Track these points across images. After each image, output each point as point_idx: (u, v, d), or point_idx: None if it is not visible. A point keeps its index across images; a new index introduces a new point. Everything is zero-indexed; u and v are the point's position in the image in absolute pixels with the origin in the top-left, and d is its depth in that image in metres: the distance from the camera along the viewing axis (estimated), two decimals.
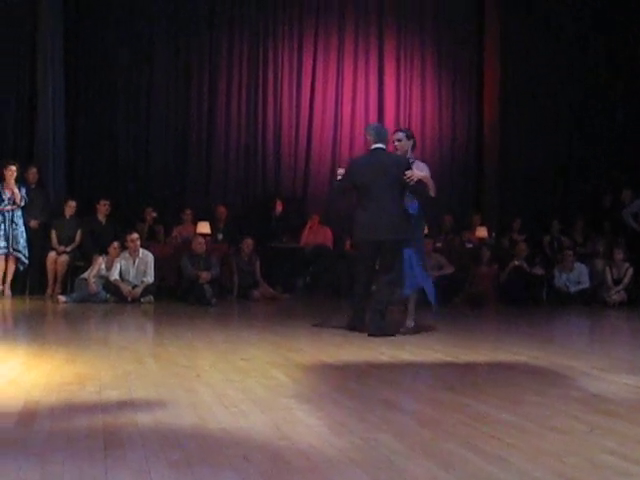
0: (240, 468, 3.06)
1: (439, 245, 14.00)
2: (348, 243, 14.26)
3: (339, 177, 8.30)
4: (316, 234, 14.56)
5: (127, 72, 14.81)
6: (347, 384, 5.23)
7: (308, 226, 14.64)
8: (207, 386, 4.82)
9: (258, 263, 13.25)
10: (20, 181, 12.40)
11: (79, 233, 12.91)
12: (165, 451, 3.29)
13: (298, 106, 15.76)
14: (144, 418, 3.90)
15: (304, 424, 3.82)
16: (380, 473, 3.03)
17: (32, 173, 12.86)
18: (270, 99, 15.64)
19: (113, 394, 4.53)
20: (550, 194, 16.23)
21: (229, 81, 15.45)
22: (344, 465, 3.14)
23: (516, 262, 13.72)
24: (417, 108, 16.38)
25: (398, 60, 16.33)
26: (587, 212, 15.73)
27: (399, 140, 8.30)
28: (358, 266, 8.41)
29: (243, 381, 5.02)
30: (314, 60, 15.86)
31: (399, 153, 8.24)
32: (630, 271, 13.53)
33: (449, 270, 13.12)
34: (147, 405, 4.26)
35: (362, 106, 16.06)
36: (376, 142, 8.15)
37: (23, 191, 12.35)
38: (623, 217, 14.92)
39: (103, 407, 4.18)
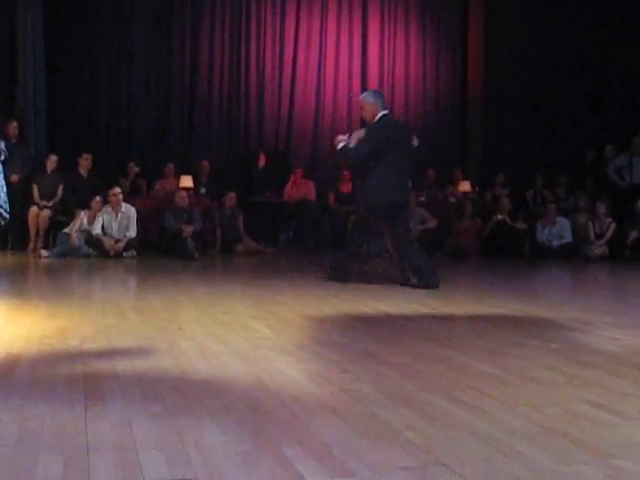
0: (220, 419, 3.07)
1: (422, 199, 14.02)
2: (331, 197, 14.27)
3: (343, 143, 8.13)
4: (299, 188, 14.53)
5: (108, 25, 14.71)
6: (329, 336, 5.25)
7: (291, 180, 14.61)
8: (189, 339, 4.81)
9: (241, 217, 13.24)
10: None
11: (61, 188, 12.85)
12: (146, 403, 3.29)
13: (281, 60, 15.68)
14: (125, 370, 3.90)
15: (285, 375, 3.83)
16: (360, 423, 3.04)
17: (12, 127, 12.76)
18: (253, 52, 15.54)
19: (94, 347, 4.53)
20: (534, 149, 16.22)
21: (211, 35, 15.34)
22: (324, 415, 3.15)
23: (499, 216, 13.77)
24: (401, 64, 16.34)
25: (382, 15, 16.26)
26: (570, 167, 15.74)
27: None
28: (361, 227, 8.43)
29: (225, 334, 5.02)
30: (297, 12, 15.76)
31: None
32: (612, 226, 13.59)
33: (432, 224, 13.17)
34: (128, 358, 4.26)
35: (345, 60, 15.99)
36: (382, 108, 8.18)
37: (2, 145, 12.14)
38: (606, 173, 14.95)
39: (84, 360, 4.18)
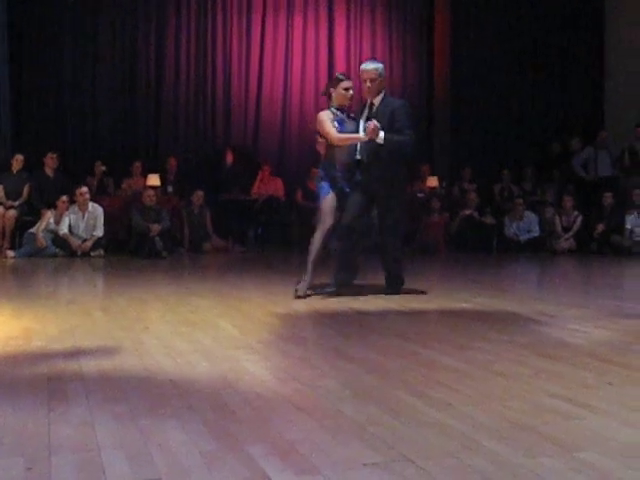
0: (185, 418, 3.05)
1: None
2: (299, 194, 14.25)
3: (382, 133, 6.78)
4: (267, 185, 14.51)
5: (72, 22, 14.54)
6: (296, 333, 5.24)
7: (259, 177, 14.58)
8: (155, 338, 4.79)
9: (209, 215, 13.22)
10: None
11: (27, 187, 12.75)
12: (110, 404, 3.26)
13: (248, 56, 15.63)
14: (89, 371, 3.86)
15: (250, 374, 3.81)
16: (325, 420, 3.03)
17: None
18: (219, 49, 15.47)
19: (59, 347, 4.49)
20: (500, 143, 16.28)
21: (177, 31, 15.26)
22: (289, 412, 3.14)
23: (467, 211, 13.82)
24: (367, 55, 16.20)
25: (348, 9, 16.24)
26: (537, 161, 15.83)
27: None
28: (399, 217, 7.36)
29: (191, 333, 5.00)
30: (264, 8, 15.70)
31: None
32: (579, 219, 13.69)
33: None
34: (93, 358, 4.22)
35: (312, 56, 15.96)
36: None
37: None
38: (572, 166, 15.06)
39: (48, 360, 4.14)
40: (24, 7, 14.10)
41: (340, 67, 15.84)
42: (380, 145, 6.82)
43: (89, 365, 3.99)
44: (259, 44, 15.69)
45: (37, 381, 3.65)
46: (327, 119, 7.06)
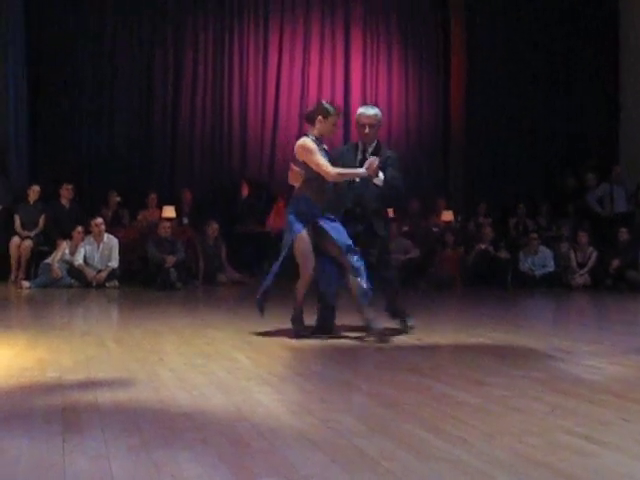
0: (199, 451, 3.05)
1: (405, 229, 14.03)
2: None
3: (381, 175, 6.61)
4: (282, 218, 14.48)
5: (90, 54, 14.67)
6: (309, 367, 5.24)
7: (274, 210, 14.59)
8: (169, 370, 4.79)
9: (224, 247, 13.22)
10: None
11: (43, 218, 12.79)
12: (124, 436, 3.27)
13: (264, 89, 15.70)
14: (104, 403, 3.87)
15: (264, 406, 3.81)
16: (339, 454, 3.02)
17: None
18: (236, 82, 15.56)
19: (74, 379, 4.50)
20: (516, 178, 16.27)
21: (195, 64, 15.36)
22: (303, 446, 3.14)
23: (482, 246, 13.79)
24: (383, 91, 16.38)
25: (364, 41, 16.32)
26: (552, 196, 15.82)
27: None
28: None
29: (205, 365, 5.00)
30: (280, 40, 15.79)
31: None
32: (594, 254, 13.63)
33: (415, 254, 13.18)
34: (108, 389, 4.23)
35: (328, 88, 16.02)
36: None
37: None
38: (588, 201, 15.04)
39: (63, 392, 4.15)
40: (42, 31, 14.26)
41: (355, 99, 15.91)
42: (372, 189, 6.67)
43: (104, 396, 4.00)
44: (275, 77, 15.77)
45: (52, 412, 3.66)
46: (316, 149, 6.58)
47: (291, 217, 6.68)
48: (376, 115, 6.97)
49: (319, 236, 6.59)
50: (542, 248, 13.91)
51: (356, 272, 6.44)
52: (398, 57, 16.54)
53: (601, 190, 15.05)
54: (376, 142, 6.99)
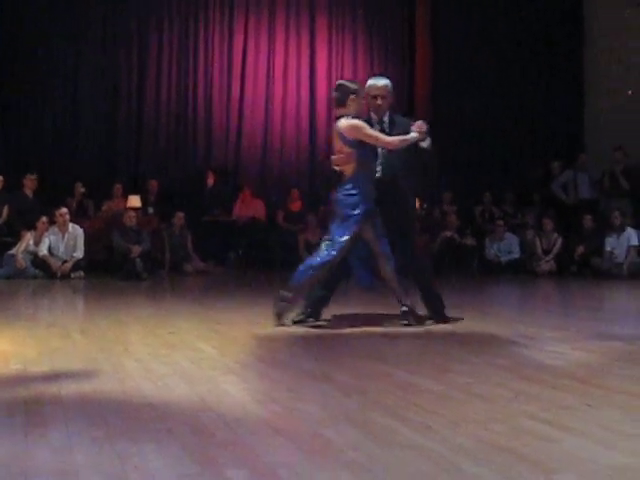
0: (163, 442, 3.04)
1: None
2: (281, 216, 14.26)
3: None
4: (248, 206, 14.52)
5: (54, 43, 14.54)
6: (275, 355, 5.23)
7: (240, 199, 14.59)
8: (134, 361, 4.77)
9: (190, 236, 13.21)
10: None
11: (6, 208, 12.69)
12: (88, 427, 3.24)
13: (229, 78, 15.68)
14: (68, 394, 3.84)
15: (229, 396, 3.80)
16: (304, 443, 3.03)
17: None
18: (201, 71, 15.53)
19: (38, 371, 4.46)
20: (481, 166, 16.33)
21: (159, 53, 15.31)
22: (268, 436, 3.13)
23: (447, 233, 13.85)
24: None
25: (330, 30, 16.42)
26: (517, 184, 15.90)
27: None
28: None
29: (170, 355, 4.98)
30: (245, 31, 15.79)
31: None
32: (559, 241, 13.74)
33: None
34: (72, 381, 4.19)
35: (294, 79, 16.04)
36: None
37: None
38: (552, 189, 15.14)
39: (27, 384, 4.11)
40: (7, 26, 14.12)
41: (322, 91, 15.91)
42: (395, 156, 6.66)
43: (68, 388, 3.97)
44: (241, 66, 15.74)
45: (15, 404, 3.63)
46: (366, 124, 6.54)
47: (350, 199, 6.51)
48: (387, 85, 6.94)
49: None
50: (508, 235, 14.02)
51: (388, 258, 6.55)
52: (363, 47, 16.59)
53: (565, 177, 15.16)
54: (389, 113, 6.93)
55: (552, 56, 16.79)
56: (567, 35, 17.05)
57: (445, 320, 6.75)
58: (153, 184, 14.29)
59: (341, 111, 6.63)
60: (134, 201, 13.40)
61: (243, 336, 5.88)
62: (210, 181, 14.67)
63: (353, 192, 6.48)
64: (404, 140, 6.59)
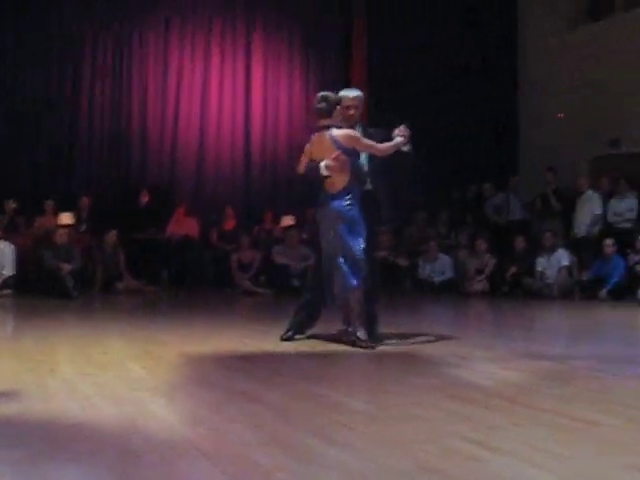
0: (88, 464, 2.98)
1: (305, 236, 14.04)
2: (214, 235, 14.21)
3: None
4: (182, 225, 14.42)
5: None
6: (205, 376, 5.18)
7: (174, 217, 14.49)
8: (61, 381, 4.68)
9: (122, 255, 13.06)
10: None
11: None
12: (10, 449, 3.17)
13: (164, 95, 15.60)
14: None
15: (157, 417, 3.75)
16: (231, 465, 2.99)
17: None
18: (135, 87, 15.42)
19: None
20: (415, 186, 16.41)
21: (93, 68, 15.13)
22: (194, 457, 3.09)
23: (380, 253, 13.87)
24: (284, 95, 16.49)
25: (266, 45, 16.43)
26: (451, 204, 16.03)
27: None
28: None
29: (99, 375, 4.90)
30: (181, 46, 15.76)
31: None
32: (492, 261, 13.87)
33: (313, 261, 13.17)
34: None
35: (229, 97, 16.02)
36: None
37: None
38: (485, 210, 15.32)
39: None
40: None
41: (257, 108, 15.92)
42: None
43: None
44: (176, 83, 15.67)
45: None
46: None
47: (353, 210, 6.57)
48: (359, 96, 7.07)
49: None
50: (441, 255, 14.13)
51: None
52: (299, 61, 16.62)
53: (498, 199, 15.36)
54: (360, 123, 7.05)
55: (487, 79, 16.98)
56: (502, 58, 17.31)
57: (379, 341, 6.74)
58: (85, 201, 14.11)
59: (327, 121, 6.70)
60: (66, 218, 13.21)
61: (174, 356, 5.81)
62: (144, 199, 14.54)
63: (352, 202, 6.57)
64: (394, 146, 6.90)
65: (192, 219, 14.61)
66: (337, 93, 6.95)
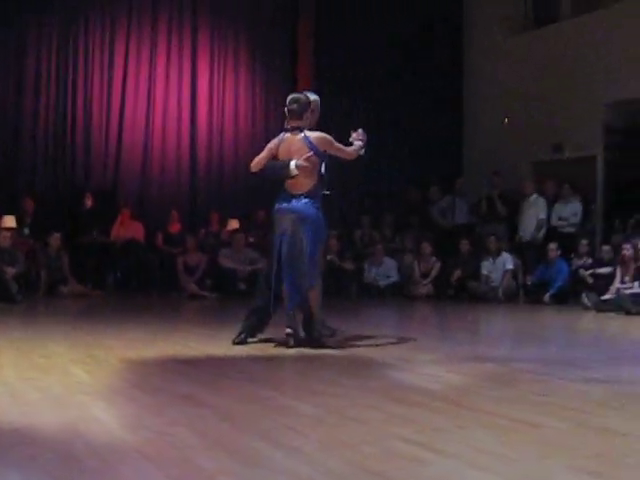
0: (27, 469, 2.94)
1: (252, 240, 14.02)
2: (159, 238, 14.12)
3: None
4: (127, 228, 14.32)
5: None
6: (149, 380, 5.14)
7: (118, 220, 14.38)
8: (2, 385, 4.62)
9: (66, 258, 12.94)
10: None
11: None
12: None
13: (109, 98, 15.46)
14: None
15: (99, 422, 3.71)
16: (173, 469, 2.97)
17: None
18: (80, 89, 15.27)
19: None
20: (360, 190, 16.48)
21: (37, 70, 14.97)
22: (137, 461, 3.06)
23: (327, 257, 13.90)
24: (230, 96, 16.43)
25: (212, 47, 16.39)
26: (396, 208, 16.08)
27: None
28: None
29: (41, 379, 4.85)
30: (126, 48, 15.59)
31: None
32: (437, 265, 13.97)
33: (261, 265, 13.16)
34: None
35: (175, 99, 15.94)
36: None
37: None
38: (430, 213, 15.40)
39: None
40: None
41: (202, 108, 15.87)
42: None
43: None
44: (121, 86, 15.55)
45: None
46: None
47: (319, 214, 6.75)
48: (316, 100, 7.23)
49: None
50: (386, 259, 14.19)
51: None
52: (245, 63, 16.61)
53: (444, 202, 15.45)
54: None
55: (432, 82, 17.08)
56: (447, 62, 17.43)
57: (325, 345, 6.74)
58: (29, 204, 13.94)
59: (298, 123, 6.83)
60: (9, 221, 13.06)
61: (118, 361, 5.76)
62: (88, 202, 14.40)
63: (318, 206, 6.73)
64: (357, 150, 7.06)
65: (137, 222, 14.51)
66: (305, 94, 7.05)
